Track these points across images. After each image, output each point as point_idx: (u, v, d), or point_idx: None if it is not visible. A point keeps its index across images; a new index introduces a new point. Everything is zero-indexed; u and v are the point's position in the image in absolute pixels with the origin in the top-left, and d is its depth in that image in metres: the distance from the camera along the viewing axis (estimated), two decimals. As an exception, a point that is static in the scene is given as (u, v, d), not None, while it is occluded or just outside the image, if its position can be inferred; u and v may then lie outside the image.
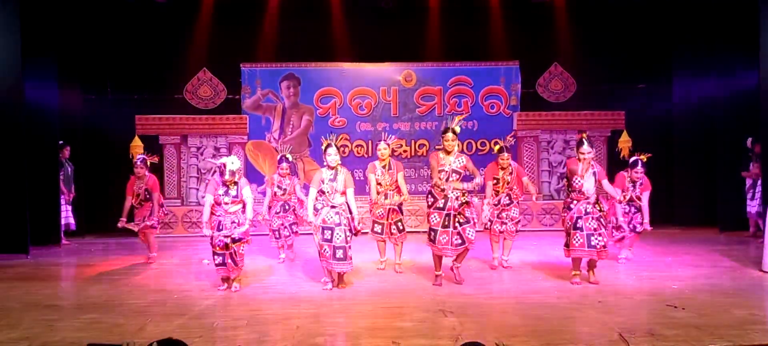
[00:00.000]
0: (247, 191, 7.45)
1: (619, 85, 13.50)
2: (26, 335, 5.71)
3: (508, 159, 8.50)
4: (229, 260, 7.34)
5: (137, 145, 12.57)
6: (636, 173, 8.65)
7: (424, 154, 13.37)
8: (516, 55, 13.56)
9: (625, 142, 12.85)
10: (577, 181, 7.53)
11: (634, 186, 8.71)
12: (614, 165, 11.77)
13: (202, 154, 13.12)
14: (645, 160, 8.69)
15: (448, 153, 7.55)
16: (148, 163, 9.45)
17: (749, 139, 11.09)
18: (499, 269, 8.64)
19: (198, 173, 12.98)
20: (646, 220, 8.66)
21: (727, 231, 11.62)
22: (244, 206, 7.42)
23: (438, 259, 7.68)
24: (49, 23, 11.27)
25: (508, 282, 8.04)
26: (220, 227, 7.28)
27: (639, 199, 8.70)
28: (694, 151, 12.91)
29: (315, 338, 5.59)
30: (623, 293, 7.26)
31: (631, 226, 8.77)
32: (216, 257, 7.37)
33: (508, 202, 8.52)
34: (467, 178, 7.61)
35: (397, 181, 8.46)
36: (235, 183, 7.35)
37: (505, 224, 8.53)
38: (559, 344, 5.29)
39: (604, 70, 13.49)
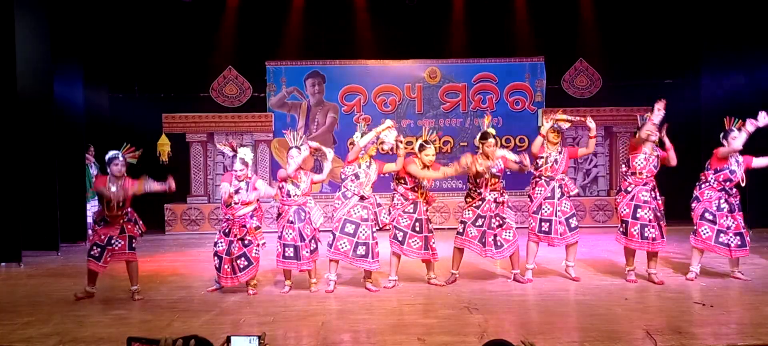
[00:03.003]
0: (261, 183, 7.22)
1: (645, 80, 13.37)
2: (57, 331, 5.80)
3: (558, 138, 7.55)
4: (228, 266, 7.04)
5: (164, 143, 12.74)
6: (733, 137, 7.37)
7: (449, 151, 13.36)
8: (541, 50, 13.51)
9: (651, 138, 12.73)
10: (638, 162, 7.40)
11: (737, 165, 7.50)
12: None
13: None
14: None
15: (488, 157, 7.35)
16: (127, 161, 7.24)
17: None
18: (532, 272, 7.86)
19: (224, 170, 13.06)
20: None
21: (756, 228, 11.46)
22: (257, 208, 7.22)
23: (459, 254, 7.61)
24: (76, 23, 11.42)
25: (533, 280, 8.00)
26: (228, 232, 7.09)
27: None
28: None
29: (340, 335, 5.62)
30: (650, 290, 7.19)
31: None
32: (215, 258, 7.16)
33: (560, 194, 7.55)
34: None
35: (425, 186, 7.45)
36: (247, 180, 7.11)
37: (556, 224, 7.51)
38: (585, 342, 5.26)
39: (631, 66, 13.39)
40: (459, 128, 13.51)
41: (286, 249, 7.16)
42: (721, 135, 7.60)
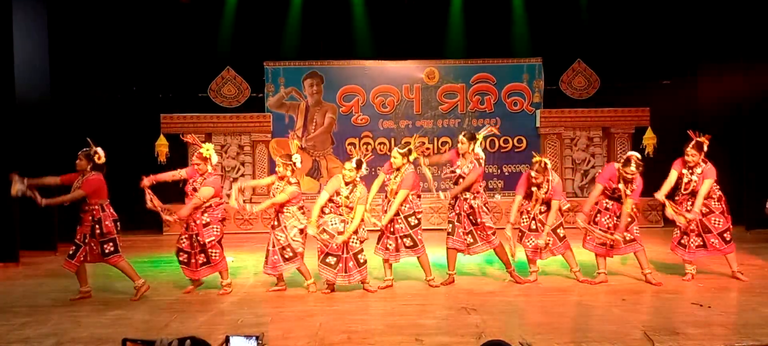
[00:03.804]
0: (205, 191, 7.03)
1: (643, 81, 13.39)
2: (54, 331, 5.79)
3: (541, 178, 7.36)
4: (193, 261, 7.17)
5: (162, 144, 12.72)
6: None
7: (447, 151, 13.36)
8: (539, 51, 13.53)
9: (649, 139, 12.76)
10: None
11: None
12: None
13: (226, 152, 13.21)
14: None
15: (464, 156, 7.49)
16: (98, 158, 7.19)
17: None
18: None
19: (223, 171, 13.05)
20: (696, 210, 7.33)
21: (754, 229, 11.48)
22: (212, 206, 7.14)
23: (453, 255, 7.61)
24: (75, 23, 11.44)
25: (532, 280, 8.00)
26: (187, 227, 7.19)
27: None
28: (720, 148, 12.75)
29: (338, 335, 5.61)
30: (647, 291, 7.20)
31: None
32: (180, 253, 7.26)
33: (534, 227, 7.51)
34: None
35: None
36: (206, 177, 7.14)
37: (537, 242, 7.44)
38: (582, 343, 5.26)
39: (629, 67, 13.40)
40: (457, 129, 13.49)
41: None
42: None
